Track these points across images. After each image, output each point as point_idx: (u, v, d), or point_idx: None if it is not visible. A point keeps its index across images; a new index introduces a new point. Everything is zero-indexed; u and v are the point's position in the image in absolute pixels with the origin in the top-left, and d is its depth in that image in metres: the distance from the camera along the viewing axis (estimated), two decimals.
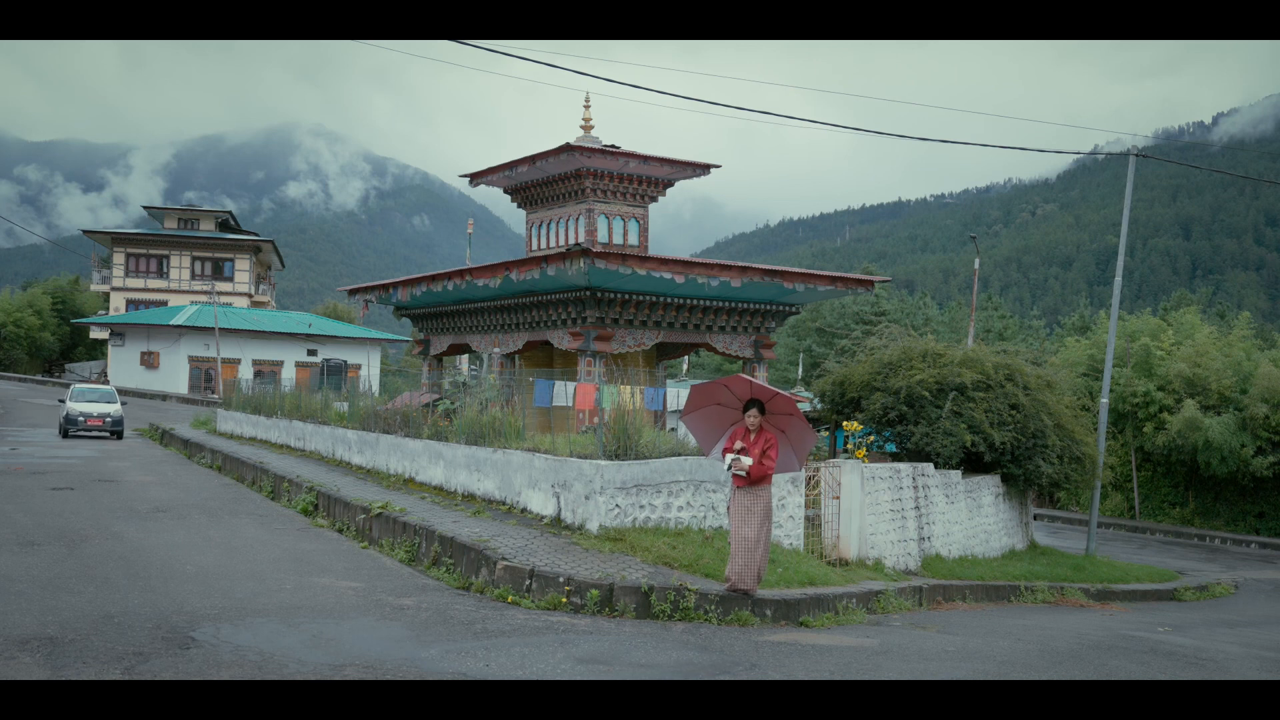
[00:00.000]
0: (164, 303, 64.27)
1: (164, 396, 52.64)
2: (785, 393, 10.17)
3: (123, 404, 32.98)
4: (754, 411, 9.74)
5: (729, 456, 9.71)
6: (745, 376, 10.03)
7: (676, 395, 14.85)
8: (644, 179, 19.59)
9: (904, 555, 14.86)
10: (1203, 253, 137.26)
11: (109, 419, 30.88)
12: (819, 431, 20.18)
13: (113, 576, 9.83)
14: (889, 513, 14.72)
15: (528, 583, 9.85)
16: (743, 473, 9.63)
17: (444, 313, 21.27)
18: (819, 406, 20.18)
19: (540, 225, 20.52)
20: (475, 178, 21.30)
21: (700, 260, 17.41)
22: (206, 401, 49.20)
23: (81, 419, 30.49)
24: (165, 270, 66.55)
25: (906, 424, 17.34)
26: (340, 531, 13.91)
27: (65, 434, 30.43)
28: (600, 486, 11.34)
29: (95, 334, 66.34)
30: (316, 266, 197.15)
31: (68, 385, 52.52)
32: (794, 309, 19.83)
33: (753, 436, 9.73)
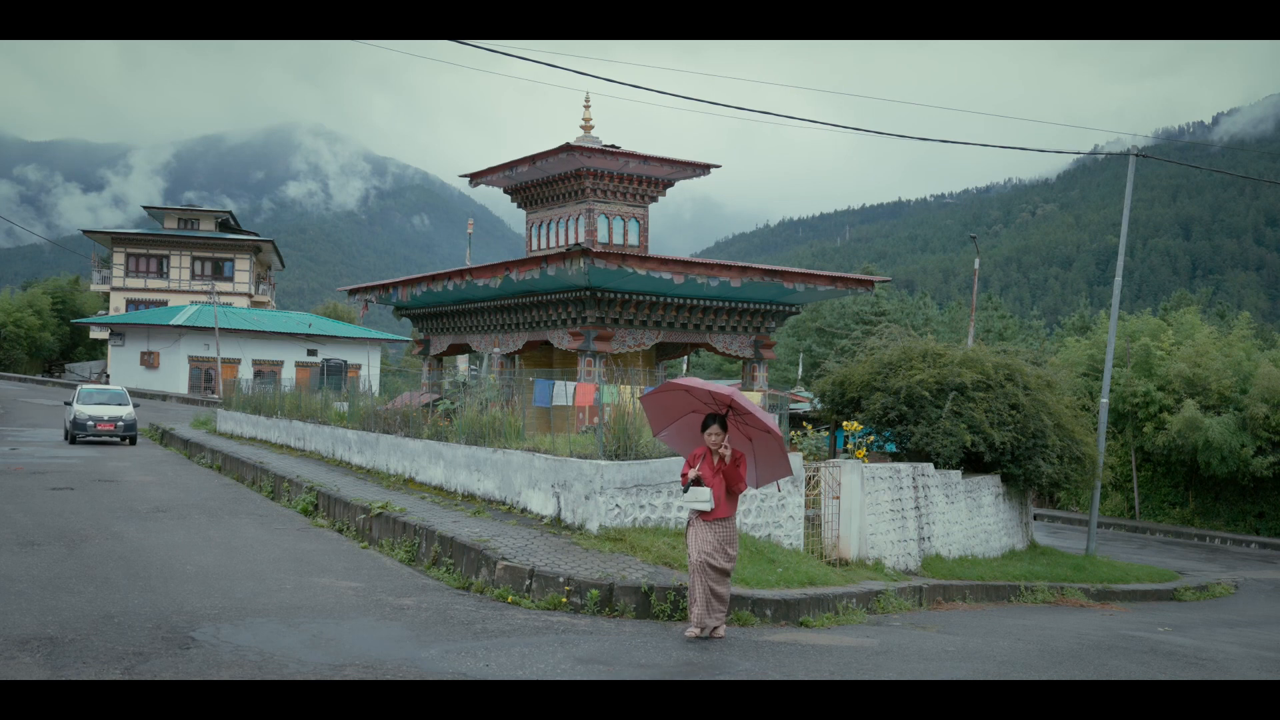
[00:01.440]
0: (164, 303, 64.29)
1: (164, 396, 52.64)
2: (763, 412, 8.72)
3: (135, 405, 30.29)
4: (715, 429, 8.44)
5: (690, 486, 8.48)
6: (729, 391, 8.73)
7: None
8: (644, 179, 19.58)
9: (904, 555, 14.86)
10: (1203, 253, 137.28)
11: (121, 423, 28.14)
12: (819, 431, 20.19)
13: (113, 576, 9.83)
14: (889, 513, 14.73)
15: (528, 583, 9.85)
16: (706, 507, 8.43)
17: (444, 313, 21.27)
18: (819, 406, 20.19)
19: (540, 225, 20.52)
20: (475, 178, 21.30)
21: (700, 260, 17.40)
22: (206, 401, 49.20)
23: (91, 423, 27.73)
24: (165, 270, 66.56)
25: (906, 424, 17.35)
26: (340, 531, 13.91)
27: (73, 440, 27.93)
28: (600, 486, 11.34)
29: (95, 334, 66.37)
30: (316, 266, 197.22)
31: (68, 385, 52.51)
32: (794, 309, 19.83)
33: (715, 458, 8.50)
